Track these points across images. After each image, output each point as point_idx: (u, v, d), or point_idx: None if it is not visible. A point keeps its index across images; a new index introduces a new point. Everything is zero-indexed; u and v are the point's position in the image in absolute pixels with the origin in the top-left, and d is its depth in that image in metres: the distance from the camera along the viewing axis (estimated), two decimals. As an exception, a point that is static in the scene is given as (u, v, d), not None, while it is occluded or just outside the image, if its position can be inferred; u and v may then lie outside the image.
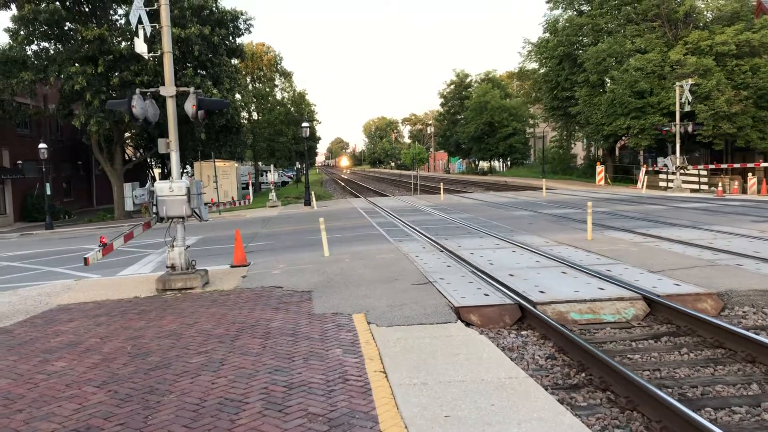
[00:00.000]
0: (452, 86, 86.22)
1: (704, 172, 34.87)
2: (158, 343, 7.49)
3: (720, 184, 29.98)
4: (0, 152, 36.21)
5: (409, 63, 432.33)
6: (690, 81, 32.84)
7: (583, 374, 6.31)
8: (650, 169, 36.84)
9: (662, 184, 35.87)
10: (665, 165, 33.84)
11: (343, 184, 79.89)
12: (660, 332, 7.62)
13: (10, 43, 31.51)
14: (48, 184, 32.35)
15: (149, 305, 9.89)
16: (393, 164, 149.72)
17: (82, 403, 5.61)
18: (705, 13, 40.43)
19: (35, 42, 32.96)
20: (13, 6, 31.62)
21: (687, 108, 32.65)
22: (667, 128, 33.88)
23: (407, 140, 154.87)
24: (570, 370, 6.49)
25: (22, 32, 31.47)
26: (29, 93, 32.57)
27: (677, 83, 33.24)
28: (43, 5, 30.73)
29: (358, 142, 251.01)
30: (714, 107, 34.02)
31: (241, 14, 37.14)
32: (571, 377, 6.29)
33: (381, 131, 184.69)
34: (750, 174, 32.52)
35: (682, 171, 33.35)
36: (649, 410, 5.21)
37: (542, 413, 4.87)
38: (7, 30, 31.43)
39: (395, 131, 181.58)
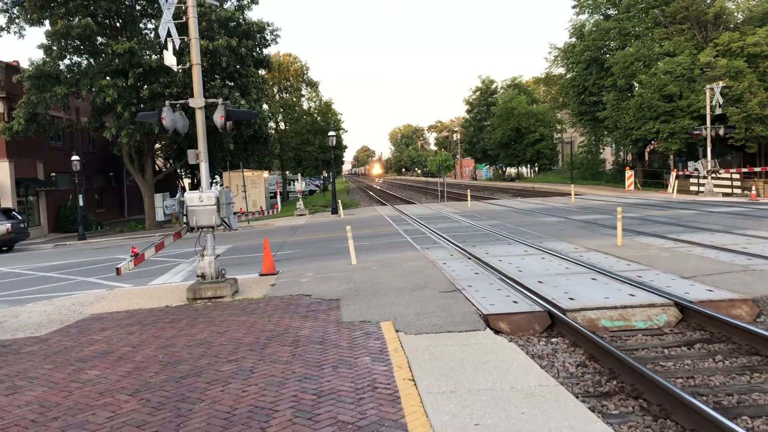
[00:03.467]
0: (478, 93, 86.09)
1: (737, 176, 34.21)
2: (189, 352, 7.58)
3: (753, 188, 29.37)
4: (34, 165, 37.02)
5: (434, 70, 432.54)
6: (721, 83, 32.31)
7: (615, 382, 6.23)
8: (681, 173, 36.28)
9: (693, 188, 35.27)
10: (696, 169, 33.30)
11: (369, 192, 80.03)
12: (693, 339, 7.50)
13: (44, 58, 32.26)
14: (81, 196, 32.97)
15: (180, 314, 10.01)
16: (419, 171, 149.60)
17: (115, 411, 5.70)
18: (736, 14, 39.79)
19: (68, 57, 33.73)
20: (46, 22, 32.40)
21: (718, 111, 32.11)
22: (698, 132, 33.36)
23: (433, 147, 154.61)
24: (601, 377, 6.41)
25: (55, 47, 32.22)
26: (62, 106, 33.28)
27: (708, 86, 32.72)
28: (76, 20, 31.43)
29: (384, 149, 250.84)
30: (746, 110, 33.42)
31: (268, 25, 37.55)
32: (602, 385, 6.22)
33: (407, 139, 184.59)
34: (785, 177, 31.92)
35: (713, 175, 32.78)
36: (683, 418, 5.12)
37: (573, 421, 4.82)
38: (41, 45, 32.20)
39: (421, 138, 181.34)
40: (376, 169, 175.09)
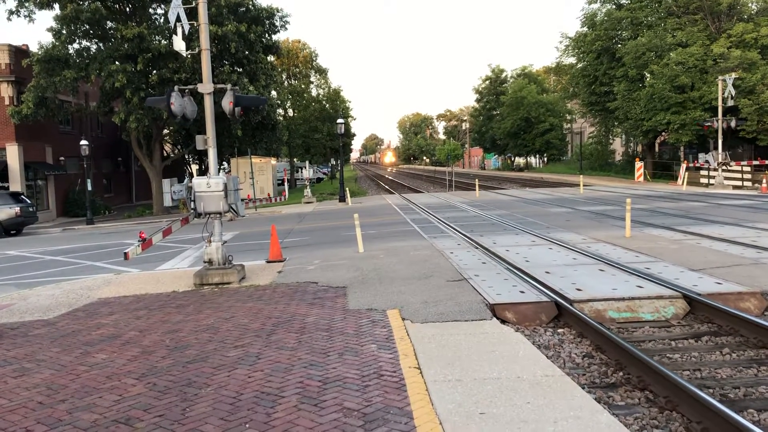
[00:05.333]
0: (487, 82, 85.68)
1: (748, 169, 33.96)
2: (196, 337, 7.61)
3: (764, 181, 29.13)
4: (43, 149, 37.15)
5: (444, 58, 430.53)
6: (733, 75, 32.01)
7: (621, 373, 6.21)
8: (691, 165, 36.04)
9: (703, 180, 35.06)
10: (707, 161, 33.07)
11: (377, 181, 79.99)
12: (701, 331, 7.47)
13: (53, 42, 32.28)
14: (89, 180, 33.09)
15: (187, 299, 10.04)
16: (427, 160, 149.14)
17: (122, 395, 5.73)
18: (750, 4, 39.37)
19: (77, 41, 33.75)
20: (56, 6, 32.39)
21: (730, 103, 31.85)
22: (709, 123, 33.12)
23: (442, 136, 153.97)
24: (607, 368, 6.39)
25: (64, 31, 32.23)
26: (71, 91, 33.34)
27: (720, 77, 32.44)
28: (85, 4, 31.42)
29: (393, 138, 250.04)
30: (759, 102, 33.13)
31: (277, 11, 37.48)
32: (608, 376, 6.20)
33: (415, 127, 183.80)
34: (796, 170, 31.63)
35: (724, 167, 32.56)
36: (689, 411, 5.11)
37: (579, 412, 4.81)
38: (51, 29, 32.22)
39: (430, 127, 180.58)
40: (389, 157, 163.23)
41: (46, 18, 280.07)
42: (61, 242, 23.23)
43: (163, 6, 35.21)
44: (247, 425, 4.88)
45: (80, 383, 6.15)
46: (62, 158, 38.84)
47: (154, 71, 32.47)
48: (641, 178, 39.65)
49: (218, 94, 11.70)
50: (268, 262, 13.34)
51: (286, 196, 38.99)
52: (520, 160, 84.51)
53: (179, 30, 11.28)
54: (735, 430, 4.51)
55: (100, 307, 9.87)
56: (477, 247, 13.58)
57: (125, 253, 11.67)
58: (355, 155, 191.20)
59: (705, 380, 5.97)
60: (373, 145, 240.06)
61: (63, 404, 5.58)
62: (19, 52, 35.14)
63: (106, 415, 5.26)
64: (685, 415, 5.14)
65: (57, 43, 32.14)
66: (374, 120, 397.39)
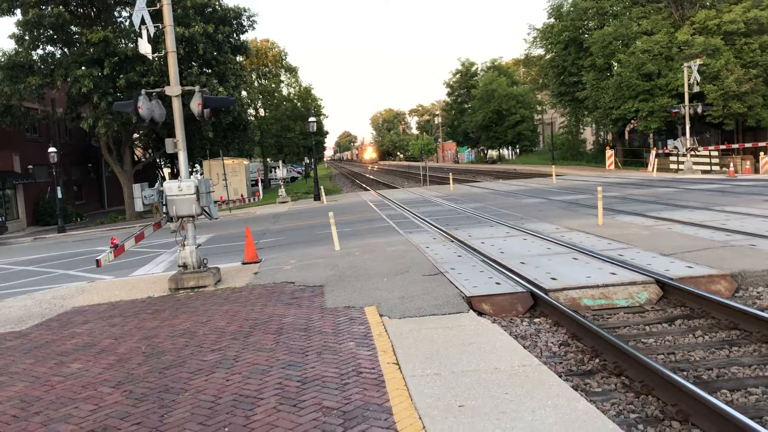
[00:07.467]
0: (458, 75, 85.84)
1: (715, 153, 34.55)
2: (172, 342, 7.54)
3: (732, 165, 29.71)
4: (11, 157, 36.45)
5: (414, 53, 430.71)
6: (698, 61, 32.53)
7: (597, 360, 6.28)
8: (660, 151, 36.56)
9: (673, 166, 35.59)
10: (675, 147, 33.58)
11: (352, 178, 79.84)
12: (674, 315, 7.58)
13: (16, 48, 31.66)
14: (59, 188, 32.54)
15: (162, 305, 9.94)
16: (401, 156, 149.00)
17: (98, 404, 5.66)
18: (712, -9, 40.01)
19: (41, 46, 33.13)
20: (17, 11, 31.76)
21: (696, 89, 32.36)
22: (676, 110, 33.62)
23: (415, 131, 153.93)
24: (584, 356, 6.47)
25: (27, 37, 31.62)
26: (37, 97, 32.72)
27: (685, 64, 32.94)
28: (48, 9, 30.85)
29: (366, 134, 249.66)
30: (723, 87, 33.69)
31: (245, 11, 37.17)
32: (585, 363, 6.27)
33: (388, 123, 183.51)
34: (762, 153, 32.03)
35: (692, 152, 33.08)
36: (664, 394, 5.19)
37: (556, 400, 4.85)
38: (13, 36, 31.59)
39: (403, 123, 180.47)
40: (369, 153, 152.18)
41: (8, 24, 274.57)
42: (32, 252, 22.84)
43: (128, 9, 34.70)
44: (226, 429, 4.85)
45: (55, 394, 6.06)
46: (30, 166, 38.17)
47: (122, 75, 31.98)
48: (612, 166, 40.11)
49: (187, 96, 11.58)
50: (243, 263, 13.26)
51: (261, 197, 38.76)
52: (492, 153, 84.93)
53: (144, 33, 11.15)
54: (709, 410, 4.59)
55: (74, 317, 9.73)
56: (452, 241, 13.64)
57: (97, 261, 11.51)
58: (328, 153, 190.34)
59: (679, 363, 6.07)
60: (346, 142, 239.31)
61: (38, 416, 5.49)
62: (-20, 60, 34.38)
63: (83, 425, 5.19)
64: (660, 398, 5.22)
65: (20, 50, 31.53)
66: (347, 117, 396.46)
